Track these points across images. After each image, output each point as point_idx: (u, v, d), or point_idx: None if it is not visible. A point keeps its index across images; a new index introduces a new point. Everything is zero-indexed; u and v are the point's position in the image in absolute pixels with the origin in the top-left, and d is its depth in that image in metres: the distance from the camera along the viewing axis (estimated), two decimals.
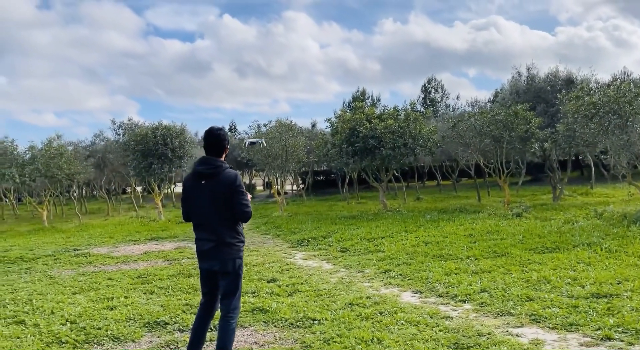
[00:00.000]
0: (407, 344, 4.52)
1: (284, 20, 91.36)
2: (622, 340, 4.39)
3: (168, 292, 7.18)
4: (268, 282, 7.52)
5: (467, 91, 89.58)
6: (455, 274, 7.26)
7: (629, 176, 14.62)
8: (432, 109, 40.72)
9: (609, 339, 4.44)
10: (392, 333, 4.87)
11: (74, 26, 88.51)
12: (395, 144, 16.98)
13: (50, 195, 23.13)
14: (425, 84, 47.91)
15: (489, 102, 31.96)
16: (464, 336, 4.65)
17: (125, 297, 6.89)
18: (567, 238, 9.45)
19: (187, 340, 4.27)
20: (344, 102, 48.16)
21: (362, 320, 5.31)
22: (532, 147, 16.22)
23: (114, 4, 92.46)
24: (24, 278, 8.94)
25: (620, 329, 4.61)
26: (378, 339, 4.66)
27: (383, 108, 19.81)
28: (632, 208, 12.43)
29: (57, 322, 5.75)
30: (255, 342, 4.90)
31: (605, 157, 16.94)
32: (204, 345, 4.33)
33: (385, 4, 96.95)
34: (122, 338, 5.17)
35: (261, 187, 44.10)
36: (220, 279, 4.00)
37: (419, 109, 35.91)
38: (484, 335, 4.68)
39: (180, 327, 5.44)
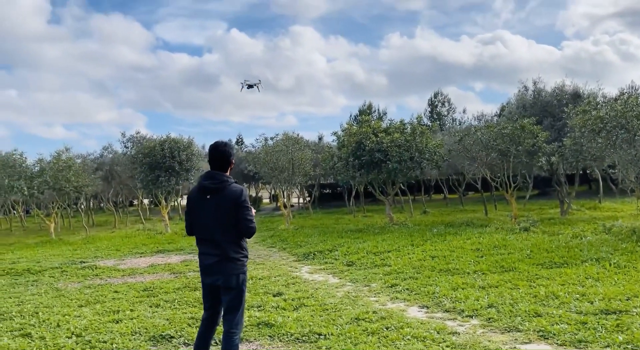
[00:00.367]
0: None
1: (291, 34, 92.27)
2: None
3: (174, 305, 7.17)
4: (274, 295, 7.50)
5: (474, 105, 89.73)
6: (462, 289, 7.21)
7: (637, 190, 14.50)
8: (438, 122, 40.75)
9: None
10: (398, 349, 4.83)
11: (84, 40, 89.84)
12: (402, 158, 16.98)
13: (58, 208, 23.26)
14: (431, 98, 47.99)
15: (495, 116, 31.90)
16: None
17: (131, 310, 6.88)
18: (576, 253, 9.37)
19: None
20: (350, 116, 48.25)
21: (369, 335, 5.28)
22: (539, 161, 16.15)
23: (124, 18, 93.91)
24: (31, 290, 8.96)
25: (629, 346, 4.55)
26: None
27: (389, 122, 19.85)
28: None
29: (63, 335, 5.75)
30: None
31: (613, 172, 16.81)
32: None
33: (392, 19, 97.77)
34: None
35: (267, 200, 44.15)
36: (224, 294, 3.98)
37: (425, 123, 35.93)
38: None
39: (186, 341, 5.43)
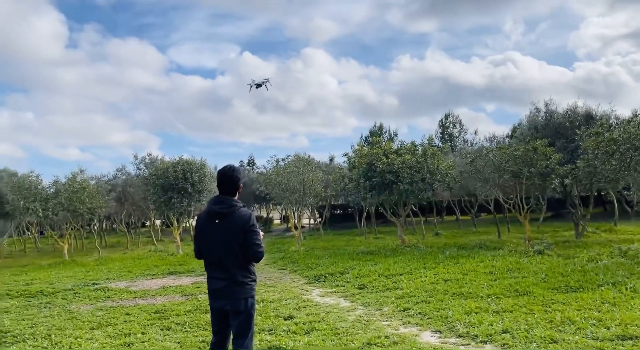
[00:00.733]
0: None
1: (302, 57, 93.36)
2: None
3: (185, 328, 7.16)
4: (285, 319, 7.46)
5: (485, 126, 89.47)
6: (476, 313, 7.11)
7: None
8: (449, 144, 40.70)
9: None
10: None
11: (99, 64, 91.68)
12: (413, 179, 16.95)
13: (72, 229, 23.46)
14: (442, 119, 48.03)
15: (507, 137, 31.81)
16: None
17: (142, 333, 6.88)
18: (591, 277, 9.21)
19: None
20: (361, 137, 48.40)
21: None
22: (553, 183, 16.03)
23: (139, 42, 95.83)
24: (44, 312, 9.01)
25: None
26: None
27: (400, 143, 19.94)
28: None
29: None
30: None
31: (628, 194, 16.64)
32: None
33: (402, 41, 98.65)
34: None
35: (278, 221, 44.13)
36: (232, 318, 3.97)
37: (436, 144, 35.92)
38: None
39: None
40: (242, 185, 4.17)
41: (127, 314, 8.40)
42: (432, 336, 6.32)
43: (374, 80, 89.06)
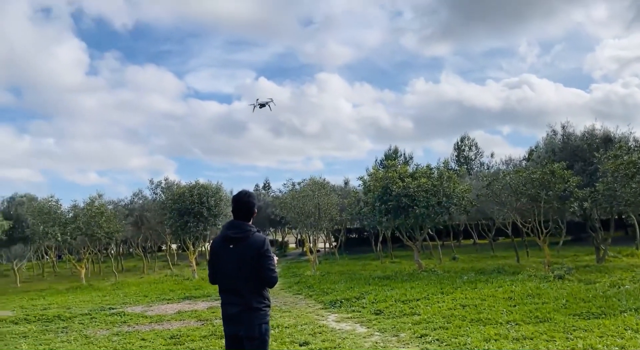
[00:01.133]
0: None
1: (317, 81, 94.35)
2: None
3: None
4: (300, 345, 7.38)
5: (502, 148, 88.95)
6: (495, 340, 6.96)
7: None
8: (465, 167, 40.47)
9: None
10: None
11: (119, 90, 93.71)
12: (429, 203, 16.85)
13: (89, 253, 23.68)
14: (458, 142, 47.89)
15: (523, 160, 31.55)
16: None
17: None
18: (614, 303, 8.98)
19: None
20: (376, 160, 48.35)
21: None
22: (572, 207, 15.79)
23: (157, 69, 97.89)
24: (61, 337, 9.04)
25: None
26: None
27: (416, 166, 19.90)
28: None
29: None
30: None
31: None
32: None
33: (416, 65, 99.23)
34: None
35: (294, 245, 43.98)
36: (246, 344, 3.94)
37: (452, 167, 35.74)
38: None
39: None
40: (256, 210, 4.20)
41: (143, 339, 8.40)
42: None
43: (389, 103, 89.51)
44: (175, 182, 23.09)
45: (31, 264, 31.87)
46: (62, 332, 9.64)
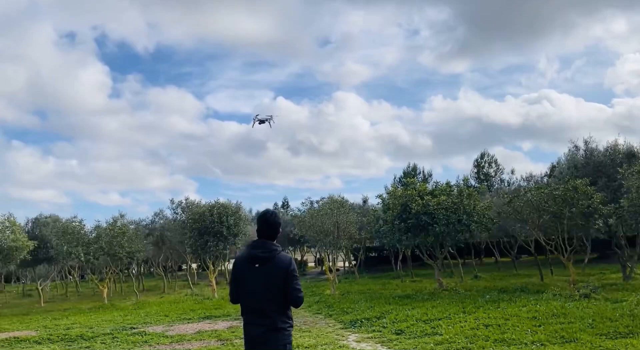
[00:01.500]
0: None
1: (334, 100, 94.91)
2: None
3: None
4: None
5: (522, 165, 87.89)
6: None
7: None
8: (486, 184, 40.03)
9: None
10: None
11: (140, 112, 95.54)
12: (449, 220, 16.69)
13: (111, 273, 23.95)
14: (477, 159, 47.42)
15: (545, 176, 31.13)
16: None
17: None
18: None
19: None
20: (394, 178, 48.07)
21: None
22: (596, 224, 15.48)
23: (178, 90, 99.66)
24: None
25: None
26: None
27: (435, 184, 19.76)
28: None
29: None
30: None
31: None
32: None
33: (433, 83, 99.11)
34: None
35: (313, 264, 43.80)
36: None
37: (472, 184, 35.39)
38: None
39: None
40: (281, 230, 4.17)
41: None
42: None
43: (407, 121, 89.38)
44: (196, 202, 23.36)
45: (55, 284, 32.35)
46: None
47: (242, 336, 4.11)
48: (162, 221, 27.66)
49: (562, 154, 30.97)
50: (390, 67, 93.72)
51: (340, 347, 8.84)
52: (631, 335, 7.93)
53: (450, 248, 21.44)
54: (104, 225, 22.22)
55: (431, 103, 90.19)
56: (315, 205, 21.70)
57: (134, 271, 32.98)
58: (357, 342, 9.45)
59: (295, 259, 41.48)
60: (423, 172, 48.92)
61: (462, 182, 22.30)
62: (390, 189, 21.30)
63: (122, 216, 22.80)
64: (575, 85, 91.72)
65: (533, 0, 70.48)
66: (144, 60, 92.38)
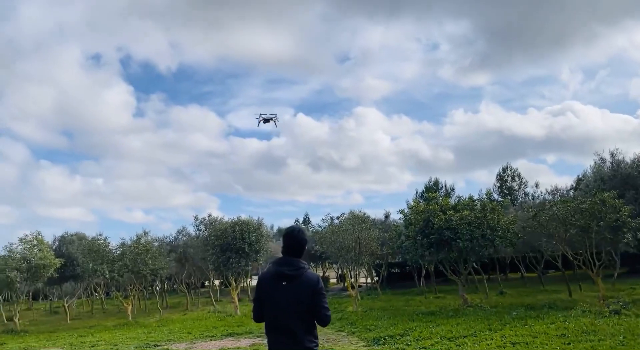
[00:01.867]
0: None
1: (355, 115, 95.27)
2: None
3: None
4: None
5: (547, 178, 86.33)
6: None
7: None
8: (509, 197, 39.42)
9: None
10: None
11: (164, 130, 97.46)
12: (473, 235, 16.46)
13: (136, 290, 24.19)
14: (500, 172, 46.79)
15: (571, 189, 30.55)
16: None
17: None
18: None
19: None
20: (416, 193, 47.75)
21: None
22: (625, 237, 15.08)
23: (200, 109, 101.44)
24: None
25: None
26: None
27: (458, 198, 19.57)
28: None
29: None
30: None
31: None
32: None
33: (454, 97, 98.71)
34: None
35: (334, 280, 43.52)
36: None
37: (495, 198, 34.91)
38: None
39: None
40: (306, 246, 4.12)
41: None
42: None
43: (428, 135, 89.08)
44: (218, 219, 23.53)
45: (81, 301, 32.80)
46: None
47: None
48: (185, 238, 27.95)
49: (588, 167, 30.44)
50: (410, 82, 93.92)
51: None
52: None
53: (474, 263, 21.10)
54: (129, 242, 22.55)
55: (452, 117, 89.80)
56: (336, 221, 21.65)
57: (157, 288, 33.25)
58: None
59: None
60: (445, 186, 48.49)
61: (485, 196, 22.01)
62: (412, 204, 21.16)
63: (145, 233, 23.15)
64: (600, 96, 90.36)
65: (553, 12, 69.99)
66: (167, 79, 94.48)
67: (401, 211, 19.57)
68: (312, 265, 39.53)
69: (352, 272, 22.91)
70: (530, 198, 40.04)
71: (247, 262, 21.09)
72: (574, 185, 31.89)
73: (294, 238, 3.99)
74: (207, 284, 37.28)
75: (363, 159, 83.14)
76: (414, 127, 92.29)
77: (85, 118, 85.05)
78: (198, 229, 24.69)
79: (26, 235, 20.96)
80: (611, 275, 20.62)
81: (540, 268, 27.06)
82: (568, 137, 74.14)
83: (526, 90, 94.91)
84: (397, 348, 10.30)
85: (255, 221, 21.98)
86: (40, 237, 21.81)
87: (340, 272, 38.06)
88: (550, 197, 28.81)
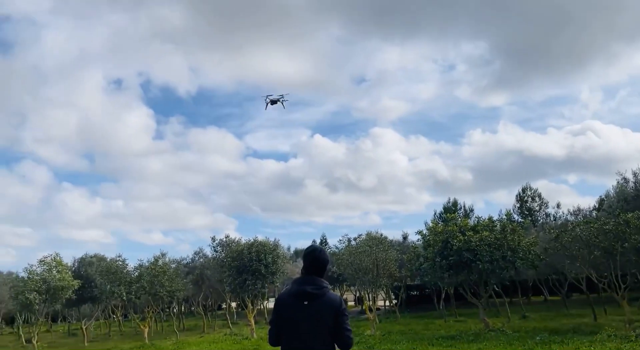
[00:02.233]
0: None
1: (371, 136, 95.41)
2: None
3: None
4: None
5: (568, 198, 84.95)
6: None
7: None
8: (530, 218, 38.74)
9: None
10: None
11: (183, 152, 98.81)
12: (493, 257, 16.14)
13: (152, 312, 24.17)
14: (520, 193, 46.12)
15: (594, 210, 29.90)
16: None
17: None
18: None
19: None
20: (434, 213, 47.28)
21: None
22: None
23: (218, 131, 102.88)
24: None
25: None
26: None
27: (477, 219, 19.22)
28: None
29: None
30: None
31: None
32: None
33: (471, 117, 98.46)
34: None
35: (352, 303, 42.96)
36: None
37: (515, 219, 34.31)
38: None
39: None
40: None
41: None
42: None
43: (446, 155, 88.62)
44: (236, 240, 23.50)
45: (99, 323, 32.86)
46: None
47: None
48: (202, 260, 27.95)
49: (610, 187, 29.79)
50: (427, 102, 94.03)
51: None
52: None
53: (495, 286, 20.64)
54: (146, 264, 22.62)
55: (470, 137, 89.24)
56: (353, 242, 21.46)
57: (174, 310, 33.20)
58: None
59: None
60: (464, 207, 47.93)
61: (504, 217, 21.64)
62: (431, 224, 20.89)
63: (163, 255, 23.23)
64: (621, 115, 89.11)
65: (571, 31, 69.81)
66: (186, 102, 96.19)
67: (419, 232, 19.36)
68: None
69: (370, 295, 22.58)
70: (552, 219, 39.31)
71: (263, 284, 20.95)
72: (597, 205, 31.23)
73: (315, 257, 3.89)
74: (224, 306, 37.13)
75: (380, 180, 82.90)
76: (432, 147, 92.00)
77: (106, 141, 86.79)
78: (215, 250, 24.68)
79: (45, 257, 21.20)
80: (637, 299, 19.97)
81: (564, 291, 26.32)
82: (589, 157, 73.06)
83: (545, 111, 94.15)
84: None
85: (271, 242, 21.91)
86: (59, 258, 22.03)
87: (357, 294, 37.60)
88: (573, 217, 28.25)
